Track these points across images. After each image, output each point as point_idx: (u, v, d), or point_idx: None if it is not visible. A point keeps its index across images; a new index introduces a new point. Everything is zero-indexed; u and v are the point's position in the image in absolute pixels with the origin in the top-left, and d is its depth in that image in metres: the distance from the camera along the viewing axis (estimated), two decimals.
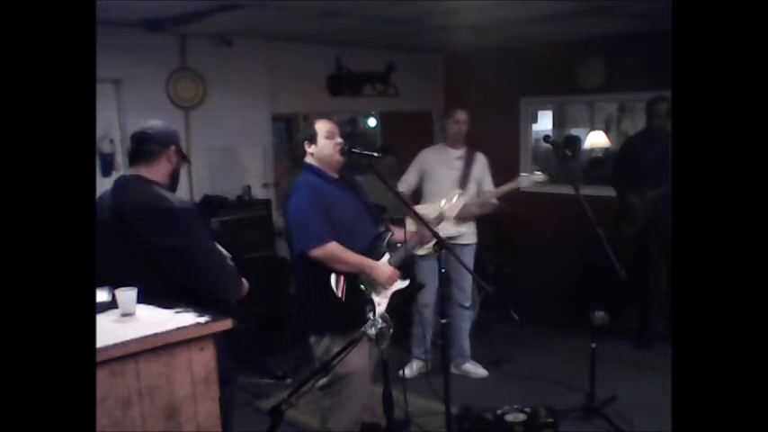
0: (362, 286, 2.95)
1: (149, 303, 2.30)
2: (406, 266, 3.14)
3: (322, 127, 3.00)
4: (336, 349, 2.91)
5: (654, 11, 4.26)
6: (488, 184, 4.37)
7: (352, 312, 2.87)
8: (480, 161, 4.40)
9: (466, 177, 4.31)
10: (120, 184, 2.61)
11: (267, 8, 3.99)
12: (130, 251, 2.48)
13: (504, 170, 6.31)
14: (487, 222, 5.21)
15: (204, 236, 2.55)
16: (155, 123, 2.65)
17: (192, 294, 2.44)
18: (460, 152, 4.38)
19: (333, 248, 2.83)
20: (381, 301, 2.98)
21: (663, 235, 4.50)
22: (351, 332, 2.89)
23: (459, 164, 4.35)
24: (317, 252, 2.82)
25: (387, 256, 3.03)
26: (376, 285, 2.97)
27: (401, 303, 2.68)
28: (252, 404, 4.05)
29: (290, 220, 2.95)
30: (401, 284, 3.05)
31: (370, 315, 2.87)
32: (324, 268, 2.86)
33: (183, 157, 2.71)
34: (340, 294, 2.84)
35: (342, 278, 2.86)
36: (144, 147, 2.57)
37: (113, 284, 2.35)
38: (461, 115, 4.34)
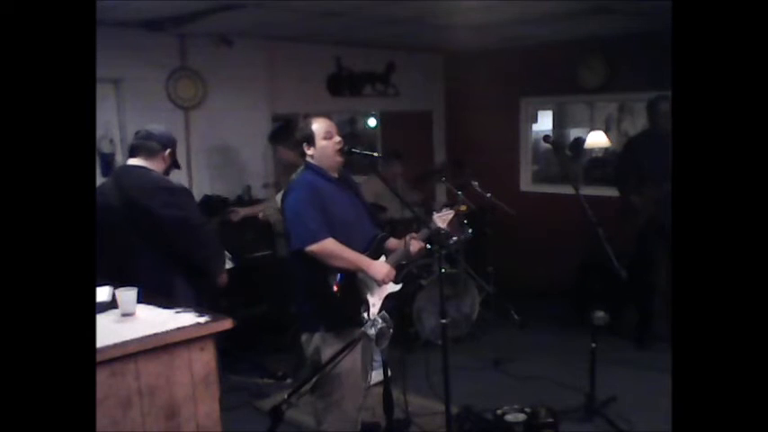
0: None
1: (150, 280, 2.64)
2: (398, 271, 3.12)
3: (319, 128, 2.96)
4: (327, 347, 2.91)
5: (654, 11, 4.25)
6: None
7: (347, 310, 2.88)
8: None
9: None
10: (124, 171, 3.06)
11: (267, 8, 3.99)
12: (135, 228, 2.88)
13: (504, 170, 6.41)
14: (477, 219, 5.22)
15: (199, 212, 3.06)
16: (158, 126, 3.11)
17: (186, 266, 2.94)
18: None
19: (329, 244, 2.81)
20: (376, 302, 2.97)
21: (664, 235, 4.49)
22: (343, 330, 2.90)
23: None
24: (313, 248, 2.80)
25: (384, 257, 3.03)
26: (372, 284, 2.96)
27: (401, 304, 2.66)
28: (252, 404, 4.05)
29: (287, 218, 2.94)
30: (394, 288, 3.04)
31: (365, 315, 2.88)
32: (320, 266, 2.85)
33: (175, 162, 3.13)
34: (335, 291, 2.83)
35: (338, 276, 2.86)
36: (146, 143, 2.99)
37: (118, 265, 2.79)
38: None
